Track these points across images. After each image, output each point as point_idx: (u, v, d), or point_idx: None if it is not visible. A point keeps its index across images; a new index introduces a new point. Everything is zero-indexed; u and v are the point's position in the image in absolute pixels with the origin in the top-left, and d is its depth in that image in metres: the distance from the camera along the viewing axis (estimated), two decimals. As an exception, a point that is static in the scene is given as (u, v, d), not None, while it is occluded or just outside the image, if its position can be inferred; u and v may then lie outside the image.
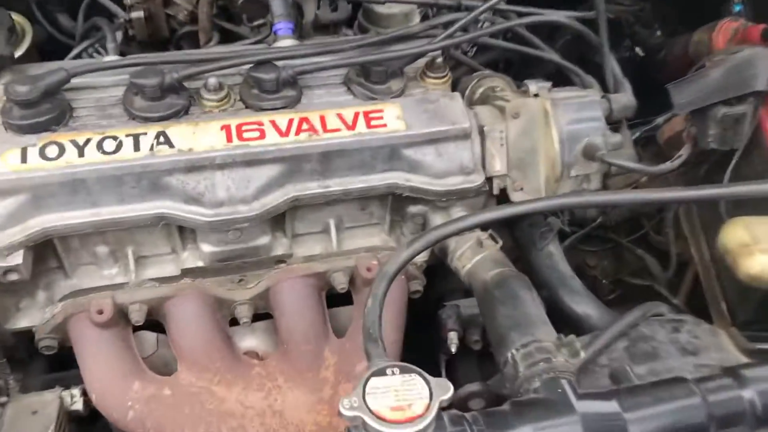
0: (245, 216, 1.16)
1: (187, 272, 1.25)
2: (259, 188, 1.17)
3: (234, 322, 1.25)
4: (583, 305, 1.33)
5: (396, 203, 1.27)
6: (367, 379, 0.84)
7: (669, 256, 1.65)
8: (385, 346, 1.27)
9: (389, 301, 1.27)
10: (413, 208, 1.28)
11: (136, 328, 1.25)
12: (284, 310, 1.23)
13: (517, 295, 1.04)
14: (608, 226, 1.70)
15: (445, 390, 0.84)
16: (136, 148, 1.13)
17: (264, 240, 1.25)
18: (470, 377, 1.48)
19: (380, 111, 1.23)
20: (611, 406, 0.90)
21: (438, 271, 1.35)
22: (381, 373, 0.85)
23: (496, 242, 1.26)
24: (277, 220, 1.26)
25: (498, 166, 1.28)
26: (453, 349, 1.35)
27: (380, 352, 0.90)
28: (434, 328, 1.40)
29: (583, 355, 0.95)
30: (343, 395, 1.26)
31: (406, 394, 0.83)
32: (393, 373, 0.85)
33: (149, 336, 1.30)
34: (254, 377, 1.24)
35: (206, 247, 1.23)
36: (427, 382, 0.84)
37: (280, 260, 1.27)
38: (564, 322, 1.31)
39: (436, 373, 1.53)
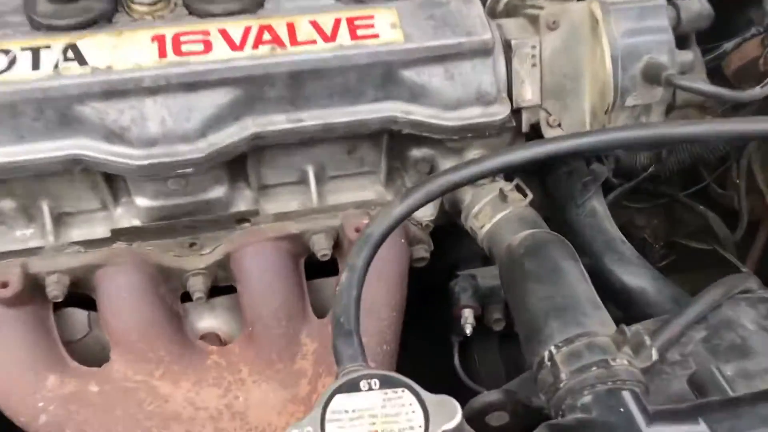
0: (188, 158, 0.87)
1: (121, 233, 0.96)
2: (206, 121, 0.87)
3: (186, 297, 0.99)
4: (637, 277, 1.05)
5: (394, 144, 0.98)
6: (329, 398, 0.55)
7: (736, 213, 1.35)
8: (378, 330, 0.99)
9: (383, 273, 0.99)
10: (417, 152, 0.99)
11: (62, 305, 0.97)
12: (249, 283, 0.96)
13: (557, 267, 0.73)
14: (661, 177, 1.38)
15: (449, 413, 0.55)
16: (36, 65, 0.83)
17: (219, 192, 0.95)
18: (490, 365, 1.19)
19: (370, 17, 0.91)
20: (698, 431, 0.60)
21: (450, 232, 1.10)
22: (352, 387, 0.56)
23: (525, 195, 0.95)
24: (237, 165, 0.96)
25: (529, 93, 0.97)
26: (468, 331, 1.08)
27: (354, 353, 0.60)
28: (445, 305, 1.13)
29: (654, 355, 0.64)
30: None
31: (390, 420, 0.54)
32: (370, 387, 0.55)
33: (80, 314, 1.02)
34: (210, 369, 0.97)
35: (142, 201, 0.94)
36: (422, 402, 0.55)
37: (244, 219, 0.99)
38: (610, 298, 1.01)
39: (445, 361, 1.27)
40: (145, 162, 0.86)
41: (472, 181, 0.77)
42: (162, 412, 0.92)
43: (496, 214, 0.95)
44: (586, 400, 0.63)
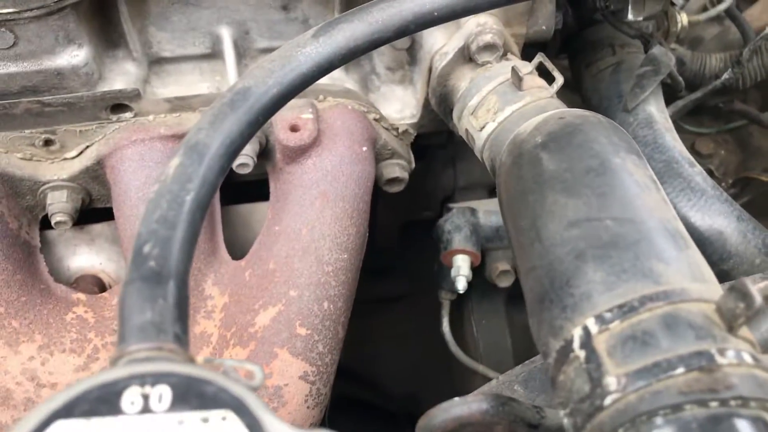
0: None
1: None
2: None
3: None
4: (713, 214, 0.74)
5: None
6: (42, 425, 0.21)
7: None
8: (317, 281, 0.65)
9: (330, 194, 0.66)
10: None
11: None
12: (129, 203, 0.62)
13: (604, 165, 0.38)
14: (736, 89, 1.03)
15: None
16: None
17: (75, 57, 0.63)
18: (492, 336, 0.86)
19: None
20: None
21: (442, 145, 0.84)
22: (101, 401, 0.22)
23: (552, 80, 0.61)
24: (105, 18, 0.62)
25: None
26: (461, 286, 0.73)
27: (155, 322, 0.27)
28: (432, 247, 0.85)
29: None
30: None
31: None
32: (146, 407, 0.22)
33: None
34: (70, 327, 0.67)
35: (-47, 71, 0.61)
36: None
37: (121, 104, 0.64)
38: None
39: (433, 327, 0.93)
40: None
41: (450, 17, 0.42)
42: (-19, 391, 0.61)
43: (505, 107, 0.61)
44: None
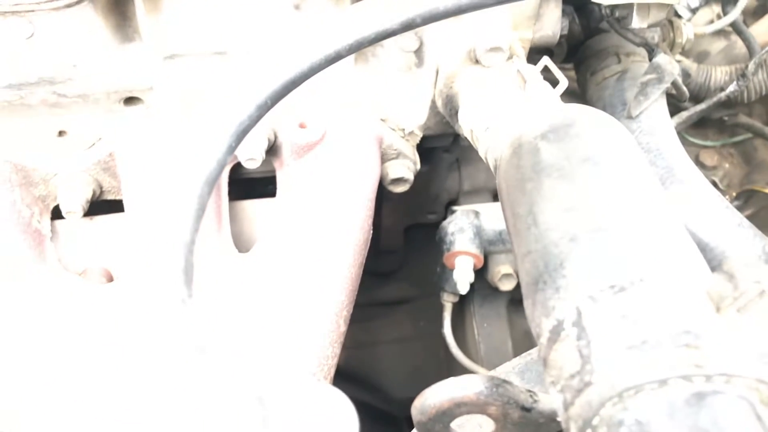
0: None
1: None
2: None
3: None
4: (713, 220, 0.72)
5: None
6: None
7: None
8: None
9: (331, 192, 0.67)
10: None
11: None
12: (139, 195, 0.63)
13: (600, 155, 0.39)
14: (741, 102, 1.04)
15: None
16: None
17: (92, 49, 0.63)
18: (494, 338, 0.87)
19: None
20: None
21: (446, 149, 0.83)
22: None
23: (557, 84, 0.63)
24: (121, 13, 0.64)
25: None
26: (462, 287, 0.75)
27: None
28: (436, 251, 0.77)
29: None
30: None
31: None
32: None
33: None
34: None
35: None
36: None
37: (134, 97, 0.66)
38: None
39: (435, 328, 0.94)
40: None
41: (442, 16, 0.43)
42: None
43: (509, 108, 0.62)
44: (648, 411, 0.30)
